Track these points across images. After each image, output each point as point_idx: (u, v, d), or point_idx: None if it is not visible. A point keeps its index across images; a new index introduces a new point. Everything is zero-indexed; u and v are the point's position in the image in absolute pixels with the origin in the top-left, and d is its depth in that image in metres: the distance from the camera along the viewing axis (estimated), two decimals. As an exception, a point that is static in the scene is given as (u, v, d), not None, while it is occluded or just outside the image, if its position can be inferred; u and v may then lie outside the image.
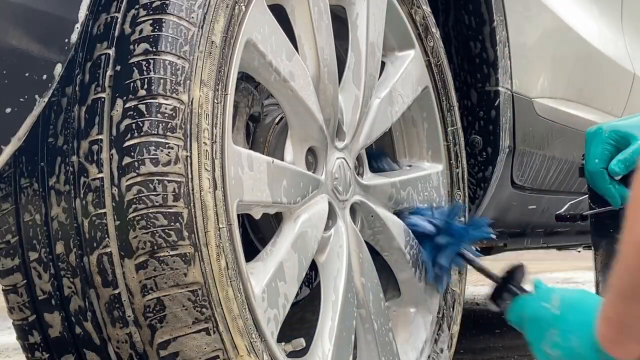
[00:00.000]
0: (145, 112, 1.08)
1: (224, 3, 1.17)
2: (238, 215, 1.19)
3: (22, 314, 1.17)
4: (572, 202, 2.16)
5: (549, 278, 5.98)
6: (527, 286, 1.42)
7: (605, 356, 1.13)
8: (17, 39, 0.93)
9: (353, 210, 1.52)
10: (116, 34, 1.12)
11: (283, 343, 1.28)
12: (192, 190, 1.09)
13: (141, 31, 1.10)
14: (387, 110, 1.62)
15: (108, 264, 1.09)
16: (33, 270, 1.14)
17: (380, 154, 1.72)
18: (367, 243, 1.55)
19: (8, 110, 0.94)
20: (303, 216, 1.34)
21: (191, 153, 1.09)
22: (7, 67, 0.93)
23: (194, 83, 1.11)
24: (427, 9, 1.76)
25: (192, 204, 1.09)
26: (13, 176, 1.15)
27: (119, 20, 1.12)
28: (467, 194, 1.85)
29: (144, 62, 1.09)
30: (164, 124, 1.08)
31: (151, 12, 1.11)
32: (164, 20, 1.10)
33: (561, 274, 6.27)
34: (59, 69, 0.98)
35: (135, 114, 1.08)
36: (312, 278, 1.81)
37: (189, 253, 1.08)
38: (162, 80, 1.08)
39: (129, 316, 1.10)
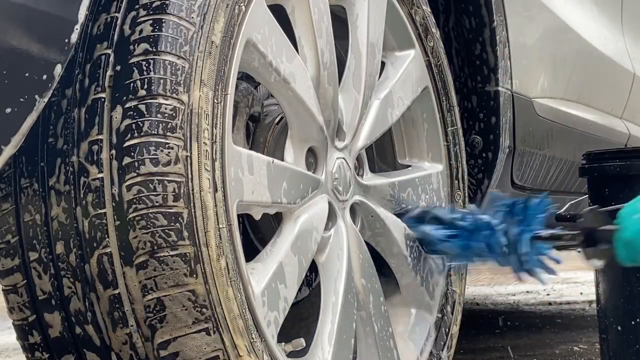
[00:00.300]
0: (145, 112, 1.08)
1: (224, 3, 1.17)
2: (238, 215, 1.19)
3: (22, 314, 1.17)
4: (572, 202, 2.16)
5: (549, 278, 5.97)
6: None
7: None
8: (17, 39, 0.93)
9: (353, 210, 1.52)
10: (116, 34, 1.12)
11: (283, 343, 1.28)
12: (192, 190, 1.09)
13: (141, 31, 1.10)
14: (387, 111, 1.62)
15: (108, 264, 1.09)
16: (33, 270, 1.14)
17: None
18: (367, 243, 1.55)
19: (8, 110, 0.94)
20: (303, 216, 1.34)
21: (191, 153, 1.09)
22: (7, 67, 0.93)
23: (194, 83, 1.11)
24: (427, 9, 1.77)
25: (192, 204, 1.09)
26: (13, 176, 1.15)
27: (119, 20, 1.12)
28: (467, 194, 1.85)
29: (144, 62, 1.09)
30: (164, 124, 1.08)
31: (151, 12, 1.11)
32: (164, 20, 1.10)
33: (561, 274, 6.27)
34: (58, 69, 0.98)
35: (135, 114, 1.08)
36: (311, 279, 1.81)
37: (189, 253, 1.08)
38: (162, 81, 1.09)
39: (129, 316, 1.10)
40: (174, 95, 1.09)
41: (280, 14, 1.36)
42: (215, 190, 1.12)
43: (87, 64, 1.12)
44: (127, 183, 1.07)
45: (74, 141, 1.11)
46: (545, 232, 1.49)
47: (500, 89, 1.96)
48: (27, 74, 0.95)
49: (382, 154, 1.81)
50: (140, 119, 1.08)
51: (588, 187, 1.88)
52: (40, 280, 1.14)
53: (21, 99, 0.95)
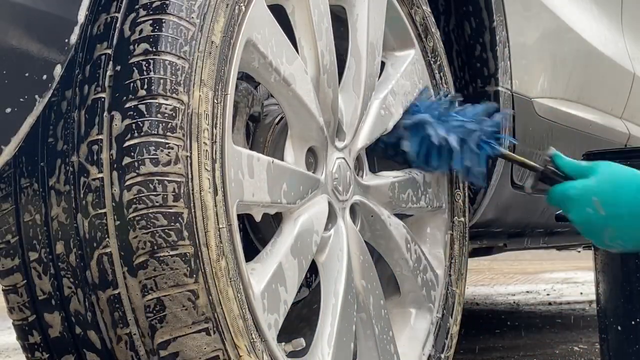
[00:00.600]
0: (145, 112, 1.08)
1: (223, 3, 1.17)
2: (238, 215, 1.19)
3: (22, 314, 1.17)
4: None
5: (549, 278, 5.99)
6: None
7: None
8: (17, 39, 0.93)
9: (353, 210, 1.52)
10: (116, 34, 1.12)
11: (283, 343, 1.28)
12: (192, 190, 1.09)
13: (141, 31, 1.10)
14: (387, 111, 1.62)
15: (108, 264, 1.09)
16: (33, 270, 1.14)
17: None
18: (367, 244, 1.55)
19: (8, 110, 0.94)
20: (303, 216, 1.34)
21: (191, 153, 1.09)
22: (7, 67, 0.93)
23: (194, 83, 1.11)
24: (427, 9, 1.77)
25: (192, 204, 1.09)
26: (13, 176, 1.15)
27: (118, 20, 1.12)
28: (467, 194, 1.85)
29: (144, 62, 1.09)
30: (164, 124, 1.08)
31: (151, 12, 1.11)
32: (164, 20, 1.10)
33: (561, 274, 6.27)
34: (58, 69, 0.98)
35: (135, 114, 1.08)
36: (311, 279, 1.80)
37: (189, 253, 1.08)
38: (162, 81, 1.09)
39: (129, 316, 1.10)
40: (174, 95, 1.09)
41: (280, 14, 1.36)
42: (215, 190, 1.12)
43: (87, 64, 1.12)
44: (127, 183, 1.07)
45: (74, 141, 1.11)
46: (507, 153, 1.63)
47: (500, 89, 1.96)
48: (27, 74, 0.95)
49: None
50: (140, 119, 1.08)
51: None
52: (40, 281, 1.14)
53: (21, 99, 0.95)
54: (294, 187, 1.31)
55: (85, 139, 1.10)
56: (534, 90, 2.18)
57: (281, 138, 1.41)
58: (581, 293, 4.89)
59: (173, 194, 1.07)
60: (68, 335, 1.15)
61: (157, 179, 1.07)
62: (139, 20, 1.11)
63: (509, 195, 2.11)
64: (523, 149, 2.08)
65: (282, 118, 1.44)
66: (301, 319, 1.70)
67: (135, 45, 1.10)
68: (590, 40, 2.59)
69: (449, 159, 1.63)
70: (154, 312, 1.09)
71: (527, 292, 5.09)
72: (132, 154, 1.07)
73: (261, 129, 1.44)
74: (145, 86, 1.08)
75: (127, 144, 1.08)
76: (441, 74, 1.80)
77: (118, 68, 1.10)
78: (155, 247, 1.07)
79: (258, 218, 1.30)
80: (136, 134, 1.07)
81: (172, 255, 1.07)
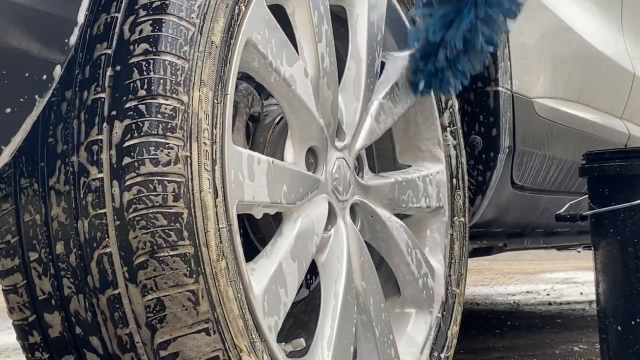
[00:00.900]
0: (145, 112, 1.08)
1: (223, 3, 1.17)
2: (238, 215, 1.19)
3: (22, 314, 1.17)
4: (572, 202, 2.16)
5: (549, 278, 5.99)
6: None
7: None
8: (17, 39, 0.93)
9: (353, 210, 1.52)
10: (116, 34, 1.12)
11: (283, 343, 1.28)
12: (192, 190, 1.09)
13: (141, 31, 1.10)
14: (387, 111, 1.62)
15: (108, 264, 1.09)
16: (33, 270, 1.14)
17: None
18: (367, 244, 1.55)
19: (8, 110, 0.94)
20: (303, 216, 1.34)
21: (191, 153, 1.09)
22: (7, 67, 0.93)
23: (193, 83, 1.11)
24: (427, 9, 1.76)
25: (192, 204, 1.09)
26: (13, 176, 1.15)
27: (118, 20, 1.12)
28: (467, 194, 1.85)
29: (144, 62, 1.09)
30: (163, 124, 1.08)
31: (151, 13, 1.11)
32: (163, 20, 1.10)
33: (561, 274, 6.27)
34: (58, 69, 0.98)
35: (135, 114, 1.08)
36: (311, 281, 1.80)
37: (189, 253, 1.08)
38: (162, 81, 1.09)
39: (129, 316, 1.10)
40: (174, 95, 1.09)
41: (281, 14, 1.36)
42: (215, 190, 1.12)
43: (87, 64, 1.12)
44: (127, 183, 1.07)
45: (74, 141, 1.11)
46: None
47: (500, 89, 1.96)
48: (27, 74, 0.95)
49: (382, 154, 1.81)
50: (140, 119, 1.08)
51: (588, 187, 1.88)
52: (40, 281, 1.14)
53: (21, 99, 0.95)
54: (294, 188, 1.31)
55: (86, 139, 1.10)
56: (534, 90, 2.18)
57: (281, 138, 1.41)
58: (581, 293, 4.89)
59: (173, 194, 1.08)
60: (68, 335, 1.15)
61: (157, 179, 1.07)
62: (139, 21, 1.11)
63: (508, 195, 2.11)
64: (523, 149, 2.09)
65: (282, 118, 1.44)
66: (300, 319, 1.70)
67: (135, 46, 1.10)
68: (590, 40, 2.59)
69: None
70: (154, 312, 1.09)
71: (527, 292, 5.09)
72: (132, 154, 1.07)
73: (261, 129, 1.44)
74: (145, 86, 1.08)
75: (127, 144, 1.08)
76: (441, 74, 1.80)
77: (118, 68, 1.10)
78: (155, 247, 1.07)
79: (259, 216, 1.30)
80: (136, 134, 1.08)
81: (172, 256, 1.08)
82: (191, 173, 1.09)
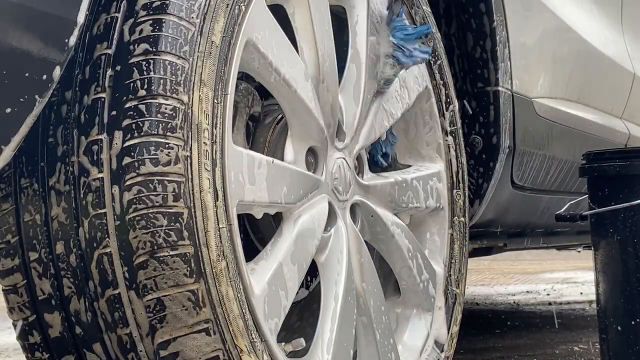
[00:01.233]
0: (145, 112, 1.08)
1: (223, 3, 1.17)
2: (238, 215, 1.19)
3: (22, 314, 1.17)
4: (572, 202, 2.16)
5: (549, 278, 5.99)
6: None
7: None
8: (17, 39, 0.93)
9: (353, 210, 1.52)
10: (116, 34, 1.12)
11: (283, 343, 1.28)
12: (192, 190, 1.09)
13: (141, 31, 1.10)
14: (387, 111, 1.62)
15: (108, 264, 1.09)
16: (33, 270, 1.14)
17: None
18: (367, 244, 1.55)
19: (8, 110, 0.94)
20: (303, 216, 1.34)
21: (191, 153, 1.09)
22: (7, 67, 0.93)
23: (194, 83, 1.11)
24: (427, 9, 1.77)
25: (192, 204, 1.09)
26: (13, 176, 1.15)
27: (118, 20, 1.12)
28: (467, 194, 1.85)
29: (144, 62, 1.09)
30: (164, 124, 1.08)
31: (151, 13, 1.11)
32: (164, 20, 1.10)
33: (561, 274, 6.27)
34: (58, 69, 0.98)
35: (135, 114, 1.08)
36: (310, 282, 1.80)
37: (189, 253, 1.08)
38: (162, 81, 1.09)
39: (129, 316, 1.10)
40: (174, 95, 1.09)
41: (281, 14, 1.36)
42: (215, 190, 1.12)
43: (87, 64, 1.12)
44: (127, 183, 1.07)
45: (74, 141, 1.11)
46: None
47: (500, 89, 1.96)
48: (27, 74, 0.95)
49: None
50: (140, 119, 1.08)
51: (588, 187, 1.88)
52: (40, 281, 1.14)
53: (21, 99, 0.95)
54: (294, 188, 1.31)
55: (86, 139, 1.10)
56: (534, 90, 2.18)
57: (281, 138, 1.41)
58: (581, 293, 4.89)
59: (173, 194, 1.08)
60: (68, 335, 1.15)
61: (157, 179, 1.07)
62: (139, 20, 1.11)
63: (508, 195, 2.11)
64: (523, 149, 2.09)
65: (282, 118, 1.44)
66: (301, 319, 1.70)
67: (135, 45, 1.10)
68: (590, 40, 2.59)
69: None
70: (154, 312, 1.09)
71: (527, 292, 5.09)
72: (132, 154, 1.07)
73: (261, 129, 1.44)
74: (145, 86, 1.08)
75: (127, 144, 1.08)
76: (441, 74, 1.80)
77: (118, 68, 1.10)
78: (155, 247, 1.07)
79: (259, 216, 1.30)
80: (136, 134, 1.07)
81: (172, 255, 1.07)
82: (191, 173, 1.09)
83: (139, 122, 1.08)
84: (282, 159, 1.36)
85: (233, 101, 1.19)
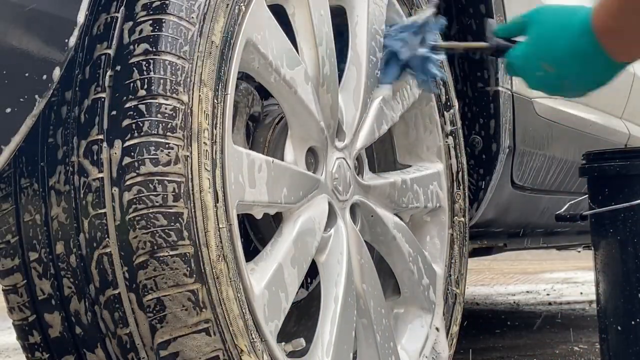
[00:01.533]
0: (145, 112, 1.08)
1: (223, 3, 1.17)
2: (238, 215, 1.19)
3: (22, 314, 1.17)
4: (572, 202, 2.16)
5: (549, 278, 5.99)
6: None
7: (617, 66, 1.27)
8: (17, 39, 0.93)
9: (353, 210, 1.52)
10: (116, 34, 1.12)
11: (283, 343, 1.28)
12: (192, 190, 1.09)
13: (141, 31, 1.10)
14: (387, 111, 1.62)
15: (108, 264, 1.09)
16: (33, 270, 1.14)
17: None
18: (367, 244, 1.55)
19: (8, 110, 0.94)
20: (303, 216, 1.34)
21: (191, 153, 1.09)
22: (7, 67, 0.93)
23: (194, 83, 1.11)
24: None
25: (192, 204, 1.09)
26: (13, 176, 1.15)
27: (118, 20, 1.12)
28: (467, 194, 1.85)
29: (144, 62, 1.09)
30: (164, 124, 1.08)
31: (151, 12, 1.11)
32: (164, 20, 1.10)
33: (561, 274, 6.27)
34: (58, 69, 0.98)
35: (135, 114, 1.08)
36: (310, 282, 1.80)
37: (189, 253, 1.08)
38: (162, 81, 1.09)
39: (129, 316, 1.10)
40: (174, 95, 1.09)
41: (281, 14, 1.36)
42: (215, 190, 1.12)
43: (87, 64, 1.12)
44: (127, 183, 1.07)
45: (74, 141, 1.11)
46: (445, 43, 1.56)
47: (500, 89, 1.96)
48: (27, 74, 0.95)
49: (382, 154, 1.81)
50: (140, 119, 1.08)
51: (588, 187, 1.88)
52: (40, 281, 1.14)
53: (21, 99, 0.95)
54: (294, 187, 1.31)
55: (85, 139, 1.10)
56: (534, 90, 2.17)
57: (281, 138, 1.41)
58: (581, 293, 4.89)
59: (173, 194, 1.08)
60: (68, 335, 1.15)
61: (157, 179, 1.07)
62: (139, 20, 1.11)
63: (508, 195, 2.11)
64: (523, 149, 2.09)
65: (282, 118, 1.44)
66: (298, 322, 1.70)
67: (135, 45, 1.10)
68: (590, 40, 2.58)
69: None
70: (154, 312, 1.09)
71: (527, 292, 5.09)
72: (132, 154, 1.07)
73: (261, 129, 1.44)
74: (145, 86, 1.08)
75: (127, 144, 1.08)
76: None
77: (118, 68, 1.10)
78: (155, 247, 1.07)
79: (259, 216, 1.30)
80: (136, 134, 1.07)
81: (172, 255, 1.07)
82: (191, 173, 1.09)
83: (139, 122, 1.08)
84: (282, 159, 1.36)
85: (233, 101, 1.19)
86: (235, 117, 1.37)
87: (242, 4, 1.21)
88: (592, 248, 1.87)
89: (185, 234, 1.08)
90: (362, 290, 1.48)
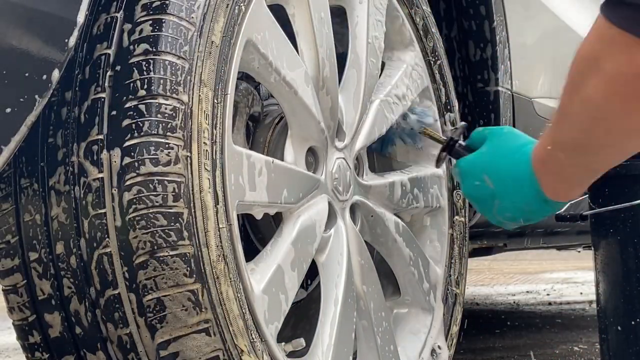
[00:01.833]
0: (145, 112, 1.08)
1: (223, 3, 1.17)
2: (238, 215, 1.19)
3: (22, 314, 1.17)
4: (572, 202, 2.16)
5: (549, 278, 5.99)
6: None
7: (547, 203, 1.29)
8: (17, 39, 0.93)
9: (353, 210, 1.52)
10: (116, 34, 1.12)
11: (283, 343, 1.28)
12: (192, 190, 1.09)
13: (141, 31, 1.10)
14: (387, 111, 1.62)
15: (108, 264, 1.09)
16: (33, 270, 1.14)
17: None
18: (367, 244, 1.55)
19: (8, 110, 0.94)
20: (303, 216, 1.34)
21: (191, 153, 1.09)
22: (7, 67, 0.93)
23: (194, 83, 1.11)
24: (427, 9, 1.77)
25: (192, 204, 1.09)
26: (13, 176, 1.15)
27: (118, 20, 1.12)
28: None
29: (143, 62, 1.09)
30: (164, 124, 1.08)
31: (151, 13, 1.11)
32: (163, 20, 1.10)
33: (561, 274, 6.27)
34: (58, 69, 0.98)
35: (135, 114, 1.08)
36: (309, 283, 1.80)
37: (189, 253, 1.08)
38: (162, 81, 1.09)
39: (129, 316, 1.10)
40: (174, 95, 1.09)
41: (281, 14, 1.36)
42: (215, 190, 1.12)
43: (87, 64, 1.12)
44: (127, 183, 1.07)
45: (74, 141, 1.11)
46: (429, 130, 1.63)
47: (500, 89, 1.96)
48: (27, 74, 0.95)
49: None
50: (140, 119, 1.08)
51: (588, 187, 1.87)
52: (40, 281, 1.14)
53: (21, 99, 0.95)
54: (294, 188, 1.31)
55: (85, 139, 1.10)
56: (534, 90, 2.18)
57: (281, 138, 1.41)
58: (581, 293, 4.89)
59: (173, 194, 1.08)
60: (68, 335, 1.15)
61: (157, 179, 1.07)
62: (139, 20, 1.11)
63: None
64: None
65: (282, 118, 1.44)
66: (301, 319, 1.70)
67: (135, 45, 1.10)
68: (590, 40, 2.58)
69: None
70: (154, 312, 1.09)
71: (527, 292, 5.09)
72: (132, 154, 1.07)
73: (261, 129, 1.44)
74: (145, 86, 1.08)
75: (127, 144, 1.08)
76: (441, 74, 1.80)
77: (118, 68, 1.10)
78: (155, 247, 1.07)
79: (259, 216, 1.30)
80: (136, 134, 1.07)
81: (172, 256, 1.07)
82: (191, 173, 1.09)
83: (139, 122, 1.08)
84: (282, 159, 1.36)
85: (233, 101, 1.19)
86: (235, 117, 1.37)
87: (242, 4, 1.21)
88: (592, 248, 1.87)
89: (185, 234, 1.08)
90: (362, 292, 1.47)
